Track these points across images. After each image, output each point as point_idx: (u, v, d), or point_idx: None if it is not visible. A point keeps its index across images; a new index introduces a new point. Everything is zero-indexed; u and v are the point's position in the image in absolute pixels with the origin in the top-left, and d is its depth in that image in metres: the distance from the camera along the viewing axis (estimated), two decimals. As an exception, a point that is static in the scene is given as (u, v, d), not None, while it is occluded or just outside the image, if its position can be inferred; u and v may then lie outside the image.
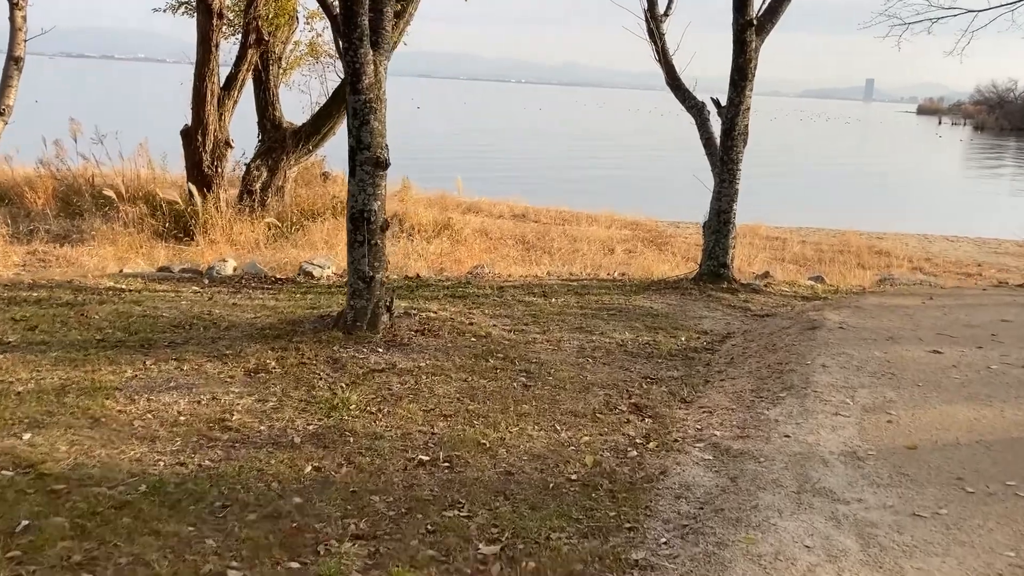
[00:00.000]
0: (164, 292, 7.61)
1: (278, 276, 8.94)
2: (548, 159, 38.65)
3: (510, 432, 4.56)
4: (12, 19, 7.28)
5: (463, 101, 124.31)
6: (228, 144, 14.28)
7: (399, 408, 4.81)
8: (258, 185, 14.60)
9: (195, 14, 13.78)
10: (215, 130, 13.98)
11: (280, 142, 14.77)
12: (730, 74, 8.84)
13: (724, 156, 8.97)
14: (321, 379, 5.18)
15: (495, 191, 20.73)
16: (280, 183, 14.95)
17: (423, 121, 62.90)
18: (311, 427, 4.48)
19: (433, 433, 4.49)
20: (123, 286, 7.82)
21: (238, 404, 4.70)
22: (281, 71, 15.55)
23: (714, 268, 9.05)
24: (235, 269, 9.13)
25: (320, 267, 9.30)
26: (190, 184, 14.19)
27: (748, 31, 8.65)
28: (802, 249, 15.94)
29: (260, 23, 14.21)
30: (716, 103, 9.16)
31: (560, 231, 16.48)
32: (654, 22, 9.85)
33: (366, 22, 5.58)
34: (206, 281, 8.41)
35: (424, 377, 5.33)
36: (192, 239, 12.85)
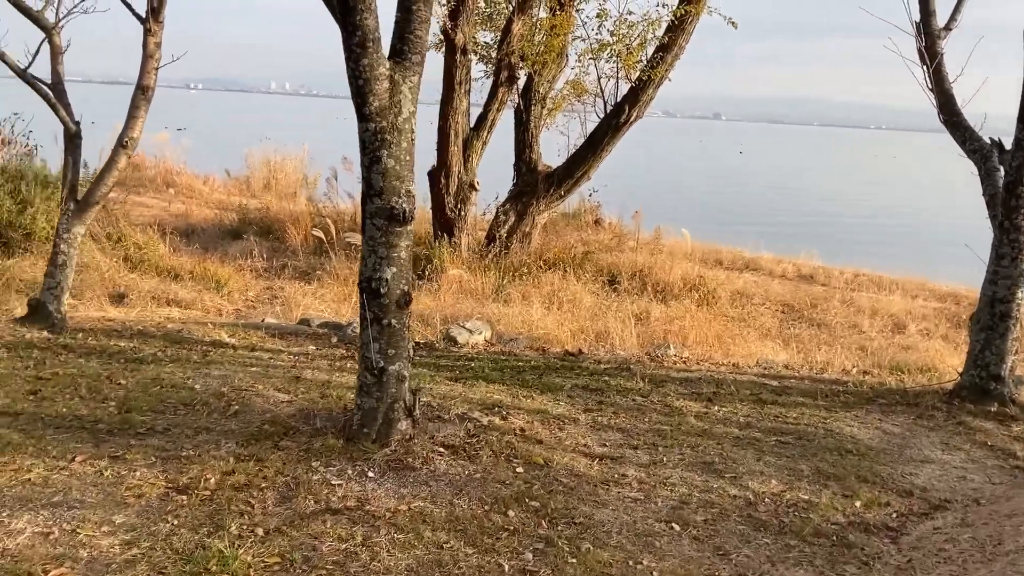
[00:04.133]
0: (259, 353, 6.66)
1: (417, 340, 7.72)
2: (858, 212, 33.88)
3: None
4: (144, 46, 6.81)
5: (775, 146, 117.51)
6: (473, 187, 13.53)
7: (292, 588, 3.23)
8: (504, 230, 13.69)
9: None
10: (459, 172, 13.31)
11: (532, 186, 13.77)
12: (1019, 106, 6.09)
13: (1005, 221, 6.19)
14: (244, 515, 3.74)
15: (785, 247, 18.01)
16: (527, 229, 13.92)
17: (740, 168, 59.67)
18: (137, 606, 3.07)
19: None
20: (232, 340, 7.03)
21: (91, 546, 3.40)
22: (546, 111, 14.56)
23: (980, 381, 6.25)
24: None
25: (471, 331, 7.93)
26: (434, 227, 13.73)
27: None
28: None
29: (513, 60, 13.33)
30: (998, 146, 6.42)
31: (846, 298, 13.60)
32: (928, 38, 7.27)
33: (371, 23, 4.09)
34: (334, 339, 7.40)
35: (384, 532, 3.67)
36: (432, 283, 12.23)
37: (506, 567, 3.51)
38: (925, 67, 7.31)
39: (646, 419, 5.58)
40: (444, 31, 12.65)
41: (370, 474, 4.23)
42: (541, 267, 12.93)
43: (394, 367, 4.46)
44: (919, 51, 7.32)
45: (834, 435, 5.46)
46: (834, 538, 4.02)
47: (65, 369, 5.68)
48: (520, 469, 4.47)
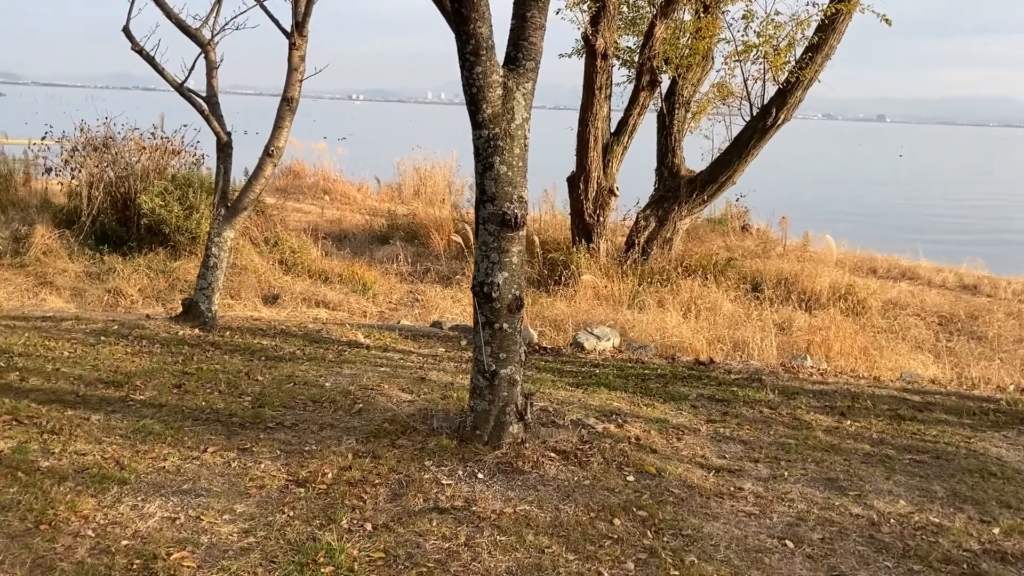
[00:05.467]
0: (390, 354, 6.89)
1: (544, 345, 7.76)
2: None
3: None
4: (289, 59, 7.20)
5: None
6: (612, 192, 13.49)
7: (392, 583, 3.32)
8: (643, 236, 13.59)
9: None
10: (598, 177, 13.31)
11: (674, 191, 13.60)
12: None
13: None
14: (356, 510, 3.87)
15: (947, 256, 16.91)
16: (668, 235, 13.75)
17: (895, 171, 56.29)
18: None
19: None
20: (366, 341, 7.31)
21: (212, 532, 3.62)
22: (689, 115, 14.36)
23: None
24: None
25: (598, 338, 7.89)
26: (572, 232, 13.78)
27: None
28: None
29: (655, 64, 13.22)
30: None
31: (1013, 310, 12.64)
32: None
33: (484, 31, 4.15)
34: (463, 342, 7.56)
35: (487, 533, 3.72)
36: (568, 288, 12.31)
37: (605, 574, 3.48)
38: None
39: (771, 432, 5.39)
40: (585, 36, 12.67)
41: (479, 475, 4.30)
42: (681, 274, 12.70)
43: (505, 371, 4.52)
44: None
45: (977, 456, 5.10)
46: (964, 566, 3.76)
47: (209, 365, 6.08)
48: (631, 478, 4.43)
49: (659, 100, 13.66)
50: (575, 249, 13.09)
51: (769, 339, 9.20)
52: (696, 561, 3.62)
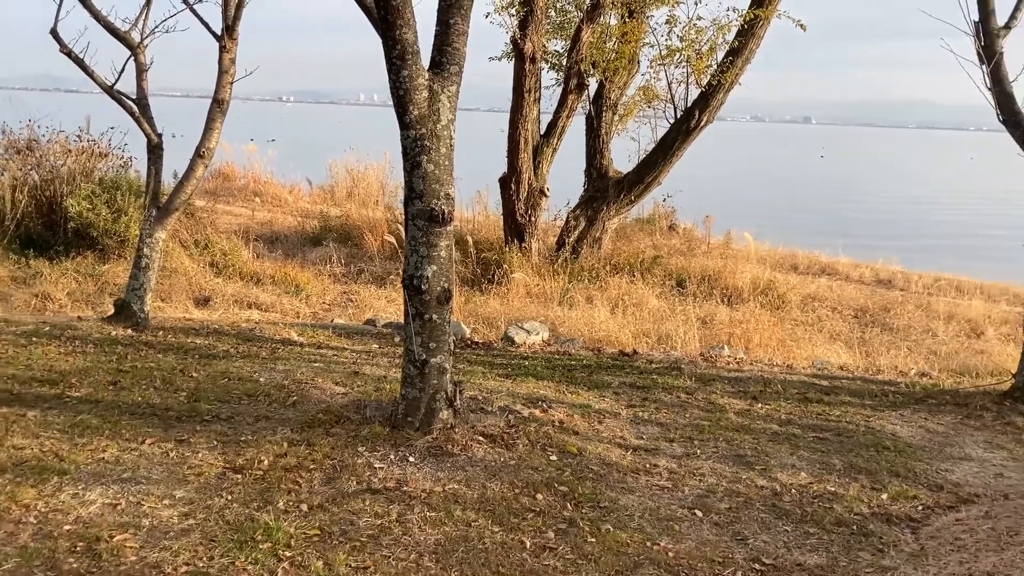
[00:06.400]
0: (324, 351, 7.05)
1: (476, 340, 8.01)
2: (942, 216, 32.45)
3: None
4: (220, 61, 7.30)
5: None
6: (543, 193, 13.78)
7: (326, 557, 3.53)
8: (574, 236, 13.90)
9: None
10: (529, 178, 13.57)
11: (602, 191, 13.94)
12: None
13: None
14: (292, 493, 4.06)
15: (866, 252, 17.67)
16: (598, 234, 14.08)
17: (817, 172, 58.16)
18: (188, 570, 3.41)
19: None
20: (300, 339, 7.46)
21: (153, 516, 3.77)
22: (617, 118, 14.71)
23: (1034, 382, 6.19)
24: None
25: (528, 332, 8.17)
26: (505, 232, 14.03)
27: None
28: None
29: (582, 68, 13.56)
30: (1053, 144, 6.33)
31: (922, 303, 13.32)
32: (987, 38, 7.20)
33: (409, 36, 4.39)
34: (396, 339, 7.75)
35: (417, 510, 3.95)
36: (501, 287, 12.52)
37: (528, 544, 3.75)
38: (984, 67, 7.24)
39: (687, 415, 5.74)
40: (513, 40, 12.95)
41: (411, 459, 4.52)
42: (610, 272, 13.07)
43: (435, 360, 4.75)
44: (977, 51, 7.26)
45: (874, 432, 5.51)
46: (854, 527, 4.13)
47: (144, 363, 6.17)
48: (554, 457, 4.71)
49: (587, 103, 14.01)
50: (508, 249, 13.33)
51: (692, 332, 9.62)
52: (611, 529, 3.91)
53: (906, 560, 3.77)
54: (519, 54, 13.06)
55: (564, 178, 16.42)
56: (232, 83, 7.45)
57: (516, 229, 13.70)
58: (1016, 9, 7.32)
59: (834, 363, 7.82)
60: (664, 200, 19.60)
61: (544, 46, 14.10)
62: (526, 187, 13.53)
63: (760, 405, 6.04)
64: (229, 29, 7.31)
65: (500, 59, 14.69)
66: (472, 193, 16.78)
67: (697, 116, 13.03)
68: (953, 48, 7.29)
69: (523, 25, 12.84)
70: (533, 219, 13.77)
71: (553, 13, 14.64)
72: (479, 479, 4.34)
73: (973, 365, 9.03)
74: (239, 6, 7.31)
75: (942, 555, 3.77)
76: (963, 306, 13.09)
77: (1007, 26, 7.22)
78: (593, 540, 3.80)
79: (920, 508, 4.39)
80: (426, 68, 4.61)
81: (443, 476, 4.35)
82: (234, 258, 12.63)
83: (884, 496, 4.51)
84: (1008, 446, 5.38)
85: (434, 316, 4.70)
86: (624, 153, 14.93)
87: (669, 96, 13.87)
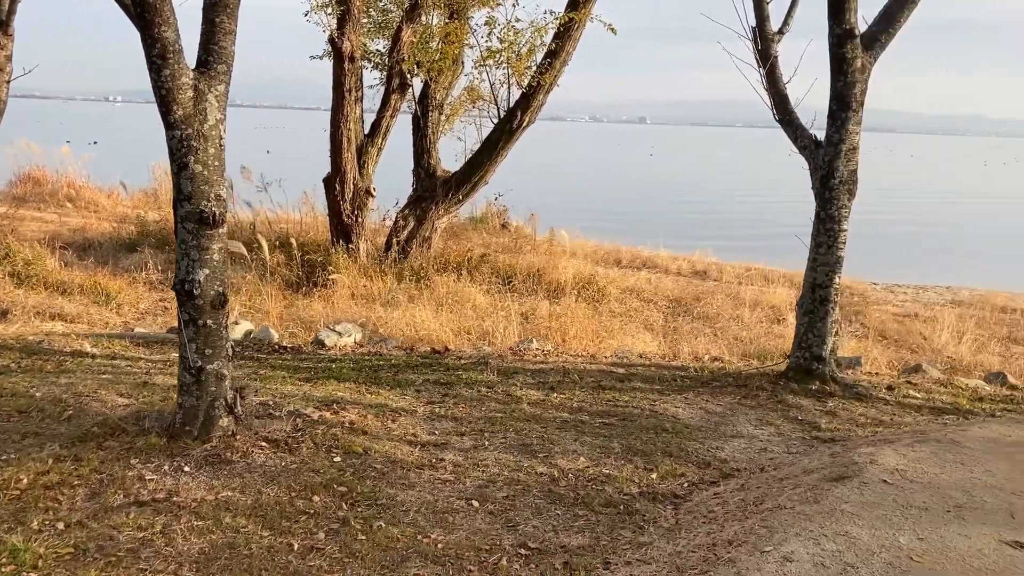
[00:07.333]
0: (117, 362, 6.76)
1: (285, 344, 7.89)
2: (754, 208, 34.67)
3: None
4: (-6, 61, 6.87)
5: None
6: (369, 193, 13.67)
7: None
8: (403, 235, 13.86)
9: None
10: (354, 178, 13.43)
11: (431, 191, 13.95)
12: (828, 104, 6.55)
13: (821, 212, 6.65)
14: (50, 511, 3.89)
15: (685, 245, 18.56)
16: (427, 234, 14.09)
17: (646, 170, 60.78)
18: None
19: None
20: (93, 350, 7.12)
21: None
22: (443, 118, 14.76)
23: (804, 362, 6.69)
24: (247, 334, 8.21)
25: (340, 334, 8.13)
26: (332, 234, 13.85)
27: (848, 45, 6.33)
28: (1044, 326, 12.31)
29: (404, 68, 13.55)
30: (815, 142, 6.86)
31: (732, 292, 14.12)
32: (763, 42, 7.70)
33: (169, 35, 4.29)
34: (202, 347, 7.52)
35: (184, 520, 3.87)
36: (327, 289, 12.31)
37: (296, 546, 3.74)
38: (760, 69, 7.75)
39: (483, 408, 5.86)
40: (331, 39, 12.81)
41: (186, 468, 4.41)
42: (438, 271, 13.16)
43: (212, 366, 4.66)
44: (755, 54, 7.76)
45: (657, 416, 5.81)
46: (621, 507, 4.34)
47: (-93, 382, 5.73)
48: (338, 459, 4.70)
49: (413, 103, 14.03)
50: (335, 250, 13.18)
51: (512, 327, 9.81)
52: (384, 526, 3.96)
53: (662, 535, 4.00)
54: (337, 53, 12.93)
55: (394, 178, 16.40)
56: (9, 81, 7.03)
57: (343, 230, 13.57)
58: (788, 15, 7.89)
59: (634, 351, 8.18)
60: (496, 199, 19.93)
61: (365, 45, 14.01)
62: (351, 187, 13.42)
63: (556, 395, 6.24)
64: (3, 25, 6.89)
65: (321, 58, 14.50)
66: (299, 194, 16.53)
67: (519, 116, 13.28)
68: (731, 51, 7.80)
69: (341, 24, 12.72)
70: (360, 219, 13.67)
71: (374, 12, 14.58)
72: (255, 485, 4.29)
73: (770, 348, 9.65)
74: (13, 1, 6.89)
75: (694, 527, 4.02)
76: (768, 293, 13.95)
77: (780, 31, 7.73)
78: (363, 538, 3.83)
79: (686, 485, 4.66)
80: (192, 67, 4.50)
81: (218, 484, 4.27)
82: (38, 267, 11.91)
83: (654, 475, 4.76)
84: (776, 422, 5.80)
85: (208, 321, 4.60)
86: (452, 153, 15.06)
87: (492, 97, 14.07)
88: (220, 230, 4.57)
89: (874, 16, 6.57)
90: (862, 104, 6.46)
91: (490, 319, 10.38)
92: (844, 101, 6.41)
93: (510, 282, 13.24)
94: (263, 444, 4.75)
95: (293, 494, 4.22)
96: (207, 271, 4.55)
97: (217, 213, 4.52)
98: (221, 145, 4.56)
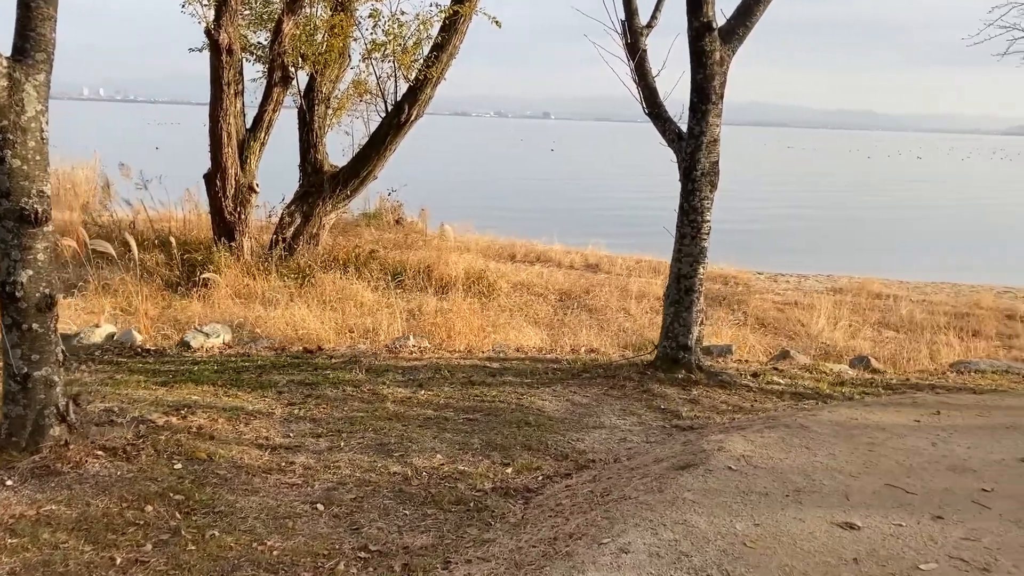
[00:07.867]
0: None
1: (148, 347, 7.57)
2: (656, 203, 35.44)
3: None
4: None
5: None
6: (252, 189, 13.28)
7: None
8: (289, 232, 13.52)
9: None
10: (236, 174, 13.02)
11: (318, 187, 13.64)
12: (689, 96, 6.63)
13: (685, 203, 6.73)
14: None
15: (578, 239, 18.72)
16: (314, 230, 13.78)
17: (546, 165, 61.51)
18: None
19: None
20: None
21: None
22: (330, 112, 14.45)
23: (671, 351, 6.76)
24: (108, 336, 7.85)
25: (207, 335, 7.85)
26: (214, 231, 13.41)
27: (707, 38, 6.43)
28: (911, 311, 12.85)
29: (287, 60, 13.20)
30: (679, 135, 6.94)
31: (620, 284, 14.29)
32: (632, 36, 7.76)
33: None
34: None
35: (-3, 538, 3.64)
36: (207, 289, 11.88)
37: (119, 560, 3.55)
38: (630, 63, 7.80)
39: (345, 408, 5.72)
40: (207, 31, 12.39)
41: (8, 482, 4.15)
42: (326, 267, 12.90)
43: (40, 373, 4.39)
44: (624, 48, 7.81)
45: (523, 409, 5.77)
46: (471, 504, 4.27)
47: None
48: (179, 465, 4.50)
49: (299, 96, 13.73)
50: (216, 249, 12.78)
51: (396, 324, 9.67)
52: (217, 534, 3.79)
53: (507, 531, 3.95)
54: (214, 46, 12.52)
55: (279, 173, 16.03)
56: None
57: (225, 227, 13.17)
58: (656, 9, 7.96)
59: (511, 346, 8.15)
60: (390, 193, 19.74)
61: (245, 38, 13.63)
62: (233, 183, 13.03)
63: (423, 392, 6.15)
64: None
65: (201, 51, 14.04)
66: (181, 191, 16.02)
67: (407, 110, 13.12)
68: (603, 46, 7.83)
69: (218, 16, 12.33)
70: (243, 216, 13.29)
71: (255, 4, 14.21)
72: (84, 497, 4.06)
73: (651, 339, 9.77)
74: None
75: (540, 521, 3.99)
76: (655, 285, 14.15)
77: (649, 25, 7.80)
78: (194, 548, 3.66)
79: (540, 478, 4.63)
80: (7, 56, 4.22)
81: (43, 497, 4.03)
82: None
83: (509, 470, 4.71)
84: (640, 412, 5.83)
85: (35, 326, 4.33)
86: (339, 147, 14.79)
87: (380, 91, 13.86)
88: (45, 228, 4.31)
89: (732, 10, 6.68)
90: (722, 96, 6.56)
91: (374, 317, 10.22)
92: (704, 93, 6.50)
93: (399, 278, 13.09)
94: (99, 453, 4.51)
95: (124, 505, 4.01)
96: (30, 272, 4.29)
97: (40, 211, 4.26)
98: (43, 138, 4.30)
